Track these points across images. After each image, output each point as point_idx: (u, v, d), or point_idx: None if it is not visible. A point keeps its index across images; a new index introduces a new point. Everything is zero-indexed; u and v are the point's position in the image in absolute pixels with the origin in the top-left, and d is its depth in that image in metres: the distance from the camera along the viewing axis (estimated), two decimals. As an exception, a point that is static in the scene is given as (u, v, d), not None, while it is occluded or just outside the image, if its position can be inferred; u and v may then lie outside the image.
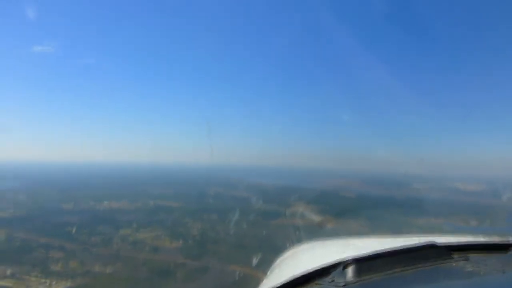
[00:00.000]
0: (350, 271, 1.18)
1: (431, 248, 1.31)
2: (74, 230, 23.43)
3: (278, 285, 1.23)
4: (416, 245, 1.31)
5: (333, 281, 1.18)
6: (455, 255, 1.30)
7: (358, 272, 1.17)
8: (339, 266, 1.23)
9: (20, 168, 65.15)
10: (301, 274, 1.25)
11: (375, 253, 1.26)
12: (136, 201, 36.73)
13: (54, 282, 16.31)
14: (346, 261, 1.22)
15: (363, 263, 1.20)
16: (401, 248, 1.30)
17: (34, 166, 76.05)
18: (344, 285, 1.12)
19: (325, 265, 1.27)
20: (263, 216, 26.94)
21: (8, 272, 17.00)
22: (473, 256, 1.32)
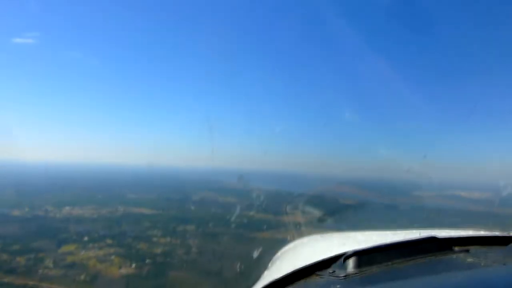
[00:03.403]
0: (350, 263, 1.16)
1: (432, 241, 1.30)
2: (-1, 246, 17.92)
3: (279, 277, 1.23)
4: (417, 238, 1.32)
5: (333, 272, 1.16)
6: (456, 248, 1.29)
7: (358, 264, 1.15)
8: (339, 259, 1.22)
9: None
10: (302, 267, 1.25)
11: (376, 245, 1.26)
12: (104, 207, 31.73)
13: None
14: (347, 253, 1.20)
15: (364, 256, 1.19)
16: (402, 241, 1.30)
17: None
18: (344, 277, 1.11)
19: (325, 258, 1.28)
20: (249, 227, 22.23)
21: None
22: (473, 249, 1.31)
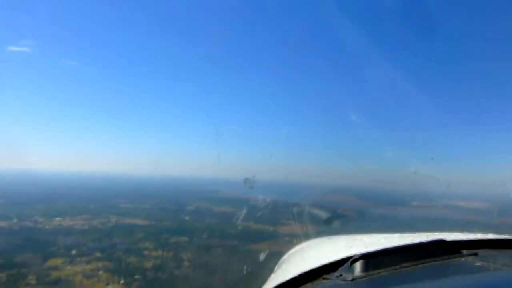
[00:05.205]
0: (357, 266, 1.15)
1: (440, 245, 1.27)
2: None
3: (286, 280, 1.21)
4: (425, 241, 1.29)
5: (340, 275, 1.15)
6: (464, 252, 1.27)
7: (366, 268, 1.14)
8: (346, 262, 1.21)
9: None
10: (309, 269, 1.23)
11: (383, 249, 1.24)
12: (97, 218, 30.86)
13: None
14: (354, 256, 1.19)
15: (371, 259, 1.17)
16: (409, 244, 1.28)
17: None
18: (351, 280, 1.09)
19: (332, 261, 1.26)
20: (245, 238, 21.57)
21: None
22: (482, 252, 1.28)
